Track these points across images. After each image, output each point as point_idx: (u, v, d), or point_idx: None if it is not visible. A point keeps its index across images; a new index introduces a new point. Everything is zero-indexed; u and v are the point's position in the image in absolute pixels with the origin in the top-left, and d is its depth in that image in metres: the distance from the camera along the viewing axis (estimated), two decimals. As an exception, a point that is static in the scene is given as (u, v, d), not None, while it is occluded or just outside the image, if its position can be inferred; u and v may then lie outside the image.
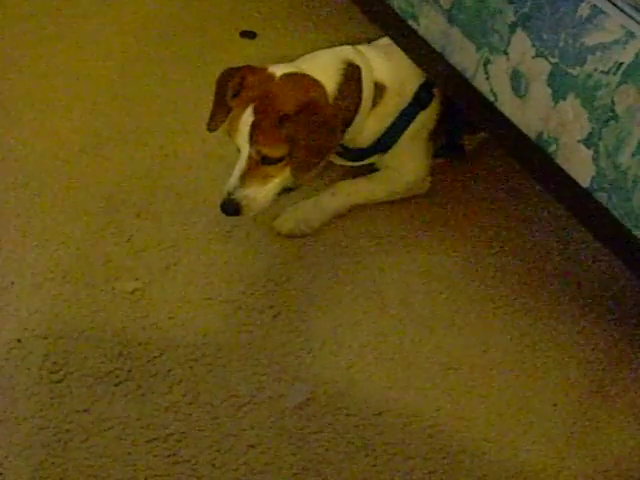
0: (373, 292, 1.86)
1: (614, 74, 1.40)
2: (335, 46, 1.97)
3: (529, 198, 2.09)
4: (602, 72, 1.42)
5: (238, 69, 1.83)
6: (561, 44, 1.49)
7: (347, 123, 1.89)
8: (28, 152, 2.11)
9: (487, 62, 1.64)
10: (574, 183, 1.52)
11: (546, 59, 1.51)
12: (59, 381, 1.65)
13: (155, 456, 1.55)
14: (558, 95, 1.50)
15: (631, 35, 1.39)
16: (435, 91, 1.99)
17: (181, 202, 2.01)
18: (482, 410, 1.67)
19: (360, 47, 1.96)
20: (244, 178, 1.78)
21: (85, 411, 1.61)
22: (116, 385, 1.65)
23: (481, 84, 1.67)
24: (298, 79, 1.81)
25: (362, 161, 2.04)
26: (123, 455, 1.55)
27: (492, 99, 1.66)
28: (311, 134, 1.75)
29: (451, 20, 1.71)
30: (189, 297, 1.82)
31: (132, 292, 1.81)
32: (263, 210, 1.85)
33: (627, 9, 1.42)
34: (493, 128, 1.75)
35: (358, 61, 1.89)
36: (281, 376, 1.69)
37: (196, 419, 1.61)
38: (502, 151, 2.04)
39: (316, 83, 1.82)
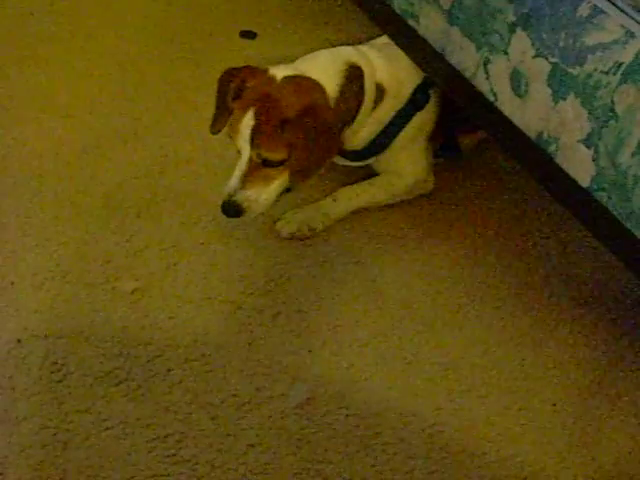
0: (373, 292, 1.87)
1: (614, 74, 1.40)
2: (335, 46, 1.96)
3: (529, 198, 2.09)
4: (602, 72, 1.42)
5: (239, 70, 1.83)
6: (561, 44, 1.49)
7: (347, 124, 1.89)
8: (28, 152, 2.11)
9: (487, 62, 1.64)
10: (574, 183, 1.52)
11: (546, 59, 1.51)
12: (59, 381, 1.65)
13: (155, 456, 1.55)
14: (558, 95, 1.50)
15: (631, 35, 1.39)
16: (432, 92, 1.99)
17: (181, 202, 2.01)
18: (482, 410, 1.67)
19: (362, 47, 1.95)
20: (245, 180, 1.78)
21: (85, 411, 1.60)
22: (116, 385, 1.65)
23: (481, 84, 1.68)
24: (299, 82, 1.80)
25: (359, 162, 2.04)
26: (123, 455, 1.55)
27: (492, 99, 1.66)
28: (312, 139, 1.74)
29: (451, 20, 1.71)
30: (189, 297, 1.82)
31: (132, 292, 1.81)
32: (264, 211, 1.85)
33: (627, 9, 1.42)
34: (493, 128, 1.75)
35: (361, 62, 1.88)
36: (281, 376, 1.69)
37: (196, 419, 1.61)
38: (502, 151, 2.04)
39: (317, 86, 1.81)
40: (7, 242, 1.89)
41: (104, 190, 2.03)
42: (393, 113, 1.96)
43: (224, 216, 1.81)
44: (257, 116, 1.75)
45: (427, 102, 1.99)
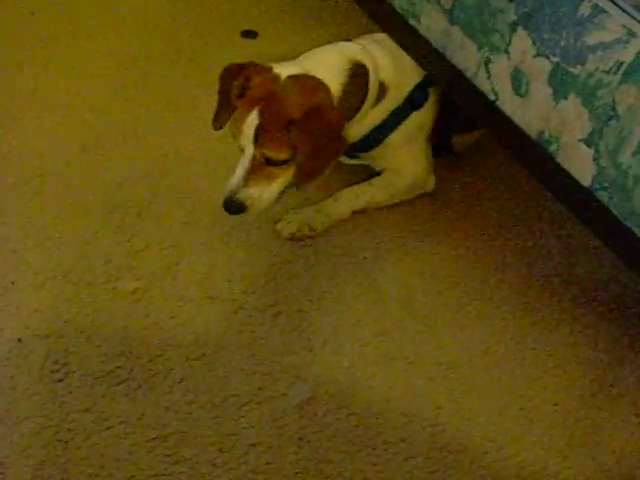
0: (374, 291, 1.87)
1: (615, 73, 1.40)
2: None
3: (530, 197, 2.09)
4: (603, 71, 1.42)
5: (242, 66, 1.82)
6: (562, 43, 1.49)
7: (347, 120, 1.89)
8: (29, 152, 2.11)
9: (488, 61, 1.64)
10: (575, 182, 1.52)
11: (547, 58, 1.51)
12: (60, 380, 1.65)
13: (156, 455, 1.55)
14: (559, 94, 1.50)
15: (632, 34, 1.39)
16: (431, 91, 1.99)
17: (182, 202, 2.01)
18: (483, 409, 1.67)
19: (366, 44, 1.93)
20: (248, 178, 1.78)
21: (86, 410, 1.60)
22: (117, 384, 1.65)
23: (482, 83, 1.68)
24: (304, 82, 1.79)
25: (353, 160, 2.03)
26: (124, 454, 1.55)
27: (493, 98, 1.66)
28: (317, 140, 1.74)
29: (452, 19, 1.71)
30: (190, 296, 1.82)
31: (133, 291, 1.81)
32: (267, 208, 1.84)
33: (628, 8, 1.43)
34: (494, 127, 1.75)
35: (366, 61, 1.87)
36: (282, 375, 1.69)
37: (197, 418, 1.61)
38: (503, 150, 2.04)
39: (322, 86, 1.80)
40: (8, 241, 1.89)
41: (105, 190, 2.03)
42: (389, 110, 1.96)
43: (226, 213, 1.81)
44: (261, 116, 1.74)
45: (425, 100, 1.99)
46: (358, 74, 1.85)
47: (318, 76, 1.80)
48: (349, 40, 1.96)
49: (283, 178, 1.80)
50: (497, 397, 1.69)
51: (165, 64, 2.41)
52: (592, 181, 1.48)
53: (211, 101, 1.86)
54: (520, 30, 1.56)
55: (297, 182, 1.79)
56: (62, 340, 1.71)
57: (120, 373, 1.66)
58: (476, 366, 1.74)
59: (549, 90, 1.52)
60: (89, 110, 2.25)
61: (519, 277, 1.92)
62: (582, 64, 1.45)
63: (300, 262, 1.91)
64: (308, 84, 1.79)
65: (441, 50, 1.78)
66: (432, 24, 1.78)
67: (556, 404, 1.69)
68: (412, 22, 1.85)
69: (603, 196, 1.47)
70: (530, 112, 1.58)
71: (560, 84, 1.50)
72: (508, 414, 1.67)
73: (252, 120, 1.75)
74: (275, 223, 1.96)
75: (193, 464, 1.54)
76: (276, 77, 1.79)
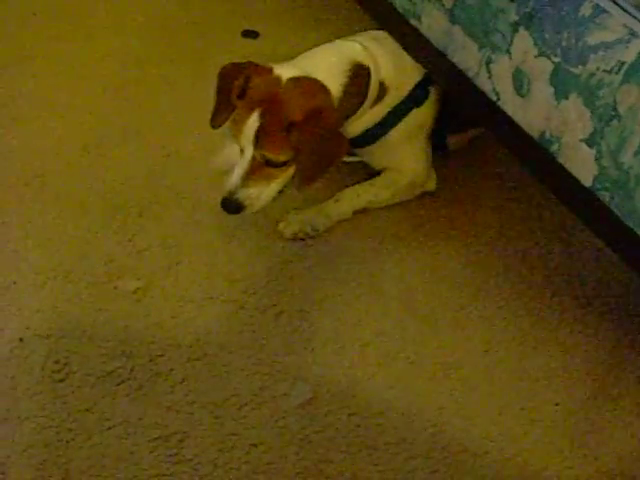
0: (375, 292, 1.86)
1: (616, 73, 1.40)
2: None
3: (531, 197, 2.09)
4: (604, 71, 1.42)
5: (242, 66, 1.82)
6: (563, 43, 1.49)
7: (346, 119, 1.89)
8: (29, 152, 2.11)
9: (489, 61, 1.65)
10: (576, 182, 1.52)
11: (548, 58, 1.51)
12: (61, 380, 1.65)
13: (157, 455, 1.55)
14: (560, 94, 1.50)
15: (633, 34, 1.39)
16: (432, 89, 1.99)
17: (183, 201, 2.01)
18: (484, 409, 1.67)
19: (367, 42, 1.92)
20: (247, 178, 1.78)
21: (87, 410, 1.60)
22: (118, 384, 1.65)
23: (483, 83, 1.68)
24: (305, 84, 1.78)
25: (348, 155, 2.03)
26: (125, 454, 1.55)
27: (494, 98, 1.66)
28: (318, 142, 1.74)
29: (453, 19, 1.71)
30: (191, 296, 1.82)
31: (134, 291, 1.81)
32: (265, 207, 1.84)
33: (630, 8, 1.43)
34: (495, 127, 1.75)
35: (367, 61, 1.87)
36: (283, 376, 1.69)
37: (198, 418, 1.61)
38: (504, 150, 2.04)
39: (322, 88, 1.80)
40: (9, 241, 1.89)
41: (106, 189, 2.03)
42: (390, 108, 1.96)
43: (225, 214, 1.81)
44: (262, 118, 1.74)
45: (426, 98, 1.99)
46: (359, 75, 1.86)
47: (319, 78, 1.80)
48: (348, 37, 1.96)
49: (282, 178, 1.81)
50: (498, 397, 1.69)
51: (165, 64, 2.40)
52: (593, 181, 1.48)
53: (211, 101, 1.86)
54: (521, 30, 1.56)
55: (298, 184, 1.79)
56: (63, 340, 1.71)
57: (121, 373, 1.66)
58: (477, 366, 1.74)
59: (550, 90, 1.52)
60: (89, 110, 2.24)
61: (520, 277, 1.91)
62: (583, 64, 1.45)
63: (301, 262, 1.91)
64: (309, 87, 1.79)
65: (442, 50, 1.78)
66: (433, 24, 1.78)
67: (557, 404, 1.69)
68: (413, 22, 1.85)
69: (604, 196, 1.47)
70: (531, 112, 1.58)
71: (561, 84, 1.50)
72: (509, 414, 1.67)
73: (253, 121, 1.75)
74: (277, 223, 1.96)
75: (194, 464, 1.54)
76: (277, 79, 1.79)
